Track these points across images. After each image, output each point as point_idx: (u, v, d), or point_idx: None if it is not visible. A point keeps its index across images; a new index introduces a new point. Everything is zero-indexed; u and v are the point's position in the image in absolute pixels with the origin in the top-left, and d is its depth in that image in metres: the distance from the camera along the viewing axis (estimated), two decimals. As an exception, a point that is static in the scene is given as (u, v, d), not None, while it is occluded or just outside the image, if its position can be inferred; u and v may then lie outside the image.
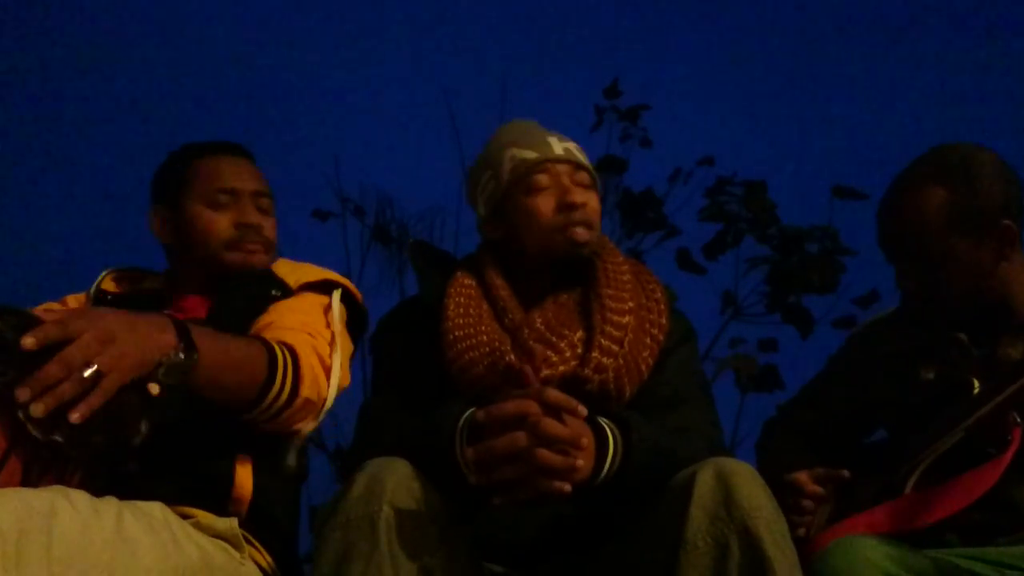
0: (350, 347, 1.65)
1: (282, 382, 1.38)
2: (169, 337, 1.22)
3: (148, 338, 1.20)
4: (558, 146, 1.59)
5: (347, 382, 1.55)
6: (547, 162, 1.57)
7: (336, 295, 1.63)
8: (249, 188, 1.69)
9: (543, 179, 1.57)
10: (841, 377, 1.78)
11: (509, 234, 1.61)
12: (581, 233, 1.54)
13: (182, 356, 1.22)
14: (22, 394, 1.10)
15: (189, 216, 1.67)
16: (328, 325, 1.56)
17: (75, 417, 1.11)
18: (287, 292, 1.63)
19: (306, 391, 1.41)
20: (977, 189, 1.52)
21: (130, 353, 1.17)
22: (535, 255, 1.58)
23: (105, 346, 1.15)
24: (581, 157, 1.61)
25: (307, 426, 1.48)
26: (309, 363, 1.44)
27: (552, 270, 1.58)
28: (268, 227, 1.70)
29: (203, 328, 1.30)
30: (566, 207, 1.54)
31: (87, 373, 1.13)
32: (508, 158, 1.60)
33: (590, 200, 1.57)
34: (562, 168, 1.57)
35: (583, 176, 1.59)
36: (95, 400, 1.13)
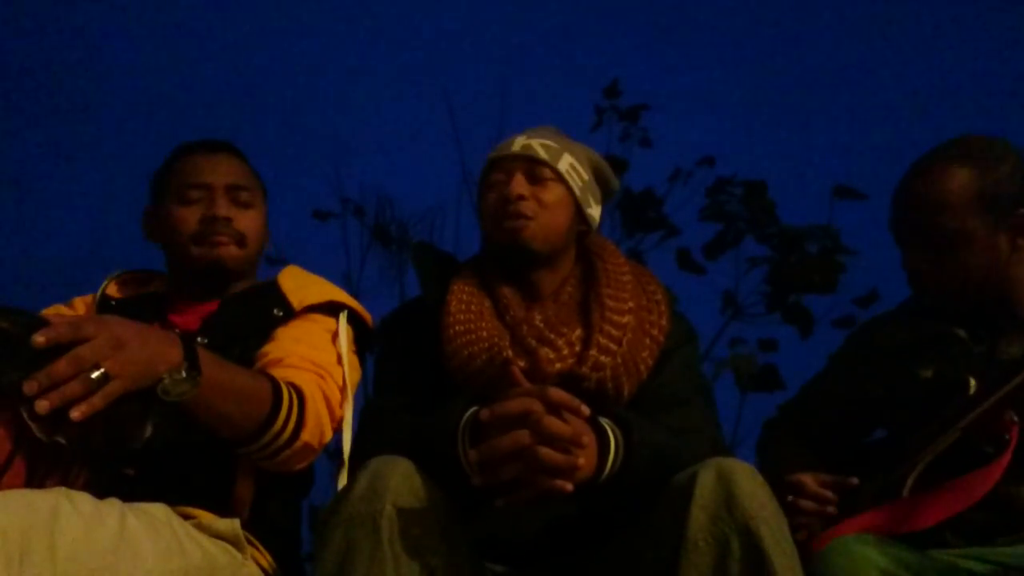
0: (359, 374, 1.64)
1: (284, 422, 1.37)
2: (175, 353, 1.23)
3: (156, 350, 1.21)
4: (518, 144, 1.61)
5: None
6: (502, 160, 1.61)
7: (343, 318, 1.63)
8: (222, 182, 1.66)
9: (496, 176, 1.60)
10: (840, 375, 1.78)
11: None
12: (512, 225, 1.54)
13: (184, 374, 1.23)
14: (29, 387, 1.10)
15: (165, 214, 1.67)
16: (339, 361, 1.55)
17: (75, 415, 1.12)
18: (289, 312, 1.60)
19: (307, 435, 1.41)
20: (1000, 173, 1.53)
21: (137, 361, 1.18)
22: (494, 250, 1.60)
23: (114, 351, 1.16)
24: (540, 152, 1.60)
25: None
26: (315, 406, 1.43)
27: (520, 265, 1.58)
28: (245, 219, 1.66)
29: (211, 353, 1.30)
30: (501, 200, 1.56)
31: (95, 375, 1.14)
32: (485, 161, 1.66)
33: (538, 192, 1.57)
34: (516, 165, 1.59)
35: (540, 170, 1.59)
36: (98, 402, 1.13)
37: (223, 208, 1.64)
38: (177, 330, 1.51)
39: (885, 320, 1.73)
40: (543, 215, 1.57)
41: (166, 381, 1.21)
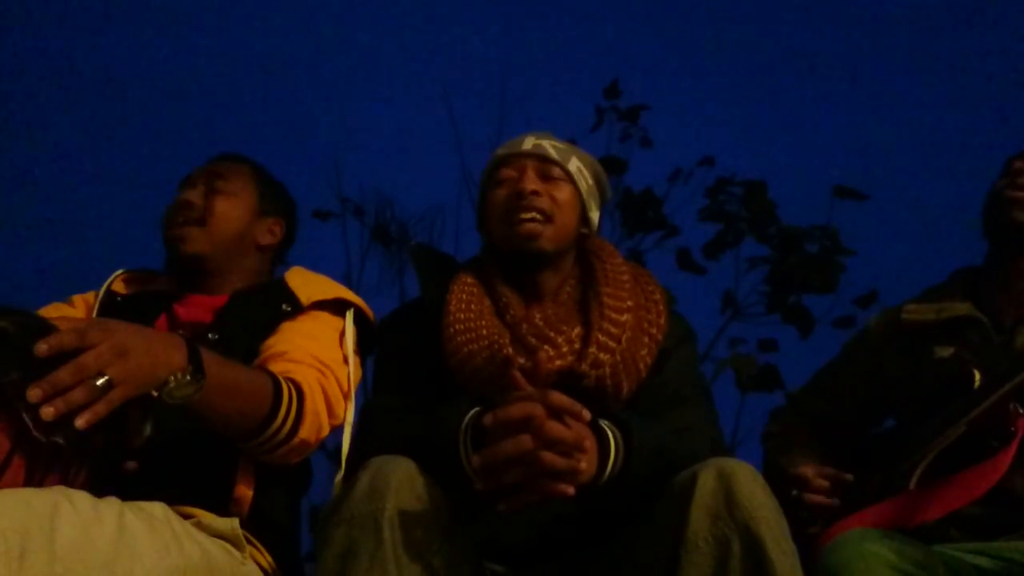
0: (360, 375, 1.65)
1: (283, 419, 1.39)
2: (180, 357, 1.23)
3: (160, 356, 1.21)
4: (529, 142, 1.63)
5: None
6: (512, 156, 1.62)
7: (349, 317, 1.64)
8: (203, 173, 1.71)
9: (506, 172, 1.61)
10: (855, 355, 1.79)
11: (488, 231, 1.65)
12: (527, 225, 1.54)
13: (189, 378, 1.23)
14: (33, 395, 1.10)
15: None
16: (345, 360, 1.57)
17: (80, 423, 1.12)
18: (297, 307, 1.61)
19: (304, 432, 1.42)
20: None
21: (141, 368, 1.18)
22: (502, 250, 1.60)
23: (118, 358, 1.16)
24: (551, 152, 1.61)
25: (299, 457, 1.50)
26: (313, 402, 1.44)
27: (526, 266, 1.58)
28: (213, 201, 1.68)
29: (214, 354, 1.31)
30: (515, 195, 1.56)
31: (99, 382, 1.14)
32: (491, 159, 1.66)
33: (551, 190, 1.58)
34: (528, 162, 1.60)
35: (550, 169, 1.60)
36: (101, 409, 1.14)
37: (188, 194, 1.67)
38: (182, 330, 1.51)
39: (911, 302, 1.75)
40: (558, 215, 1.57)
41: (171, 384, 1.21)
